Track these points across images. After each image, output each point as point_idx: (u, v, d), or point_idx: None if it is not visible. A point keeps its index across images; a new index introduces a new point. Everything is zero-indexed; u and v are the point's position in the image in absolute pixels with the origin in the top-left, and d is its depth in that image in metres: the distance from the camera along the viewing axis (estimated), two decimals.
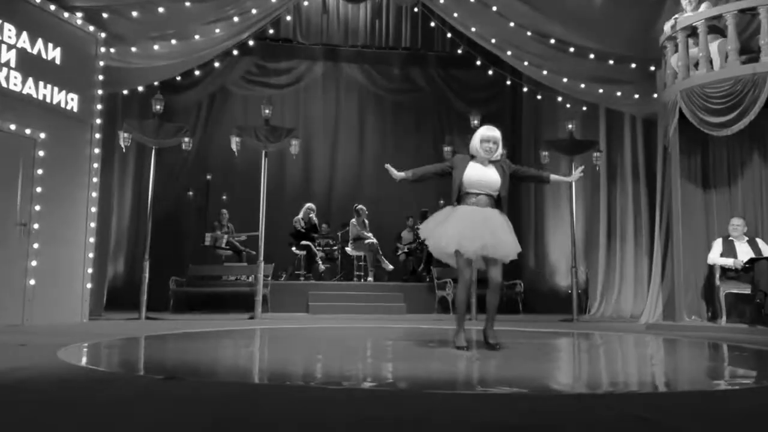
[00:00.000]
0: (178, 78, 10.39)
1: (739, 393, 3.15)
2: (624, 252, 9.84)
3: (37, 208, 7.08)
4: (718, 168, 8.20)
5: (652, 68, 8.71)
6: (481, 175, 4.60)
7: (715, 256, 7.51)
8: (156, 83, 9.40)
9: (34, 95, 7.15)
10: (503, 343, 4.82)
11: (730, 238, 7.51)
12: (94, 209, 7.96)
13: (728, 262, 7.37)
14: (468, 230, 4.46)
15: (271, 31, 10.88)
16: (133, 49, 8.41)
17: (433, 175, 4.85)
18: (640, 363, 4.70)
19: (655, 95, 8.62)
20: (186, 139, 8.92)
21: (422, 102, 13.49)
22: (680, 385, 3.55)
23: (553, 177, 5.03)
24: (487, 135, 4.66)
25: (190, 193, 12.31)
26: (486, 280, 10.09)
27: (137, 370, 3.77)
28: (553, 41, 9.09)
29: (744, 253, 7.34)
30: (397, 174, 4.76)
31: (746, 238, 7.49)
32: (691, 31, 7.55)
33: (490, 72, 10.92)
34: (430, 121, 13.46)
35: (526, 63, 9.57)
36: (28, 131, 7.07)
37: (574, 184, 9.24)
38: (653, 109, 8.75)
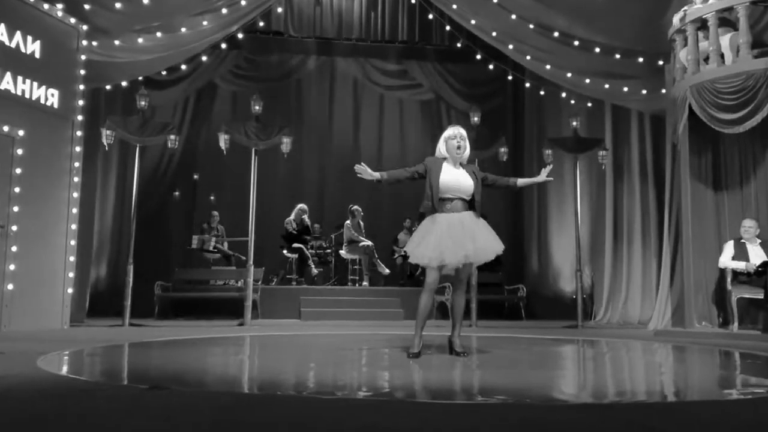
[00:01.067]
0: (164, 73, 10.22)
1: (752, 403, 3.08)
2: (631, 255, 9.71)
3: (16, 209, 6.99)
4: (730, 167, 8.11)
5: (661, 62, 8.64)
6: (456, 179, 4.62)
7: (727, 259, 7.37)
8: (140, 78, 9.31)
9: (12, 91, 7.05)
10: (470, 350, 4.87)
11: (742, 240, 7.38)
12: (75, 210, 7.86)
13: (740, 265, 7.24)
14: (449, 242, 4.45)
15: (261, 24, 10.64)
16: (117, 42, 8.30)
17: (405, 179, 4.80)
18: (648, 371, 4.61)
19: (664, 91, 8.54)
20: (172, 137, 8.79)
21: (420, 98, 13.28)
22: (690, 395, 3.53)
23: (521, 181, 5.00)
24: (452, 133, 4.73)
25: (177, 193, 12.14)
26: (487, 284, 9.99)
27: (121, 380, 3.76)
28: (556, 34, 9.01)
29: (757, 256, 7.22)
30: (372, 174, 4.64)
31: (759, 241, 7.37)
32: (701, 24, 7.51)
33: (491, 67, 10.79)
34: (428, 118, 13.25)
35: (528, 57, 9.47)
36: (6, 128, 6.97)
37: (579, 183, 9.11)
38: (661, 105, 8.68)
